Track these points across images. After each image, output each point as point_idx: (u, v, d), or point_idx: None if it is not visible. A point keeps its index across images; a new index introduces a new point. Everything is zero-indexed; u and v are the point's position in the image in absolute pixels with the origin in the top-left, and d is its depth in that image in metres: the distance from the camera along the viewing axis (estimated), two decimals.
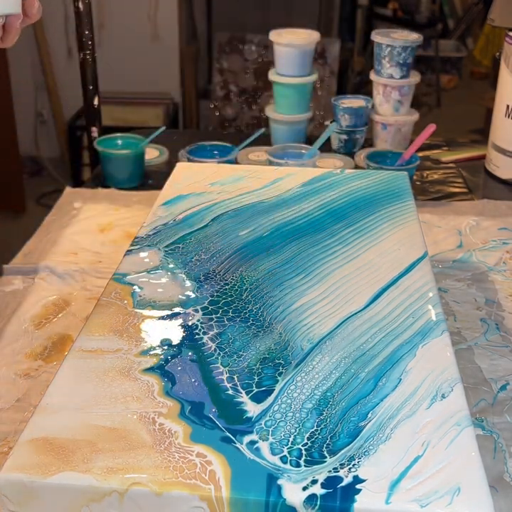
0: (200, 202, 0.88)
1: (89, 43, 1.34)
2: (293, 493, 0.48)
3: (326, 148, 1.41)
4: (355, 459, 0.50)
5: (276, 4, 3.25)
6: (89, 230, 1.10)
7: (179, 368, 0.59)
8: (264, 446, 0.51)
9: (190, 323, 0.65)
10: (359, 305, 0.68)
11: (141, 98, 2.89)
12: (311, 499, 0.47)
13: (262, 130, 1.35)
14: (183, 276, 0.73)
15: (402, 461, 0.50)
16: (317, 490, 0.48)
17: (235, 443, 0.52)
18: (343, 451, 0.51)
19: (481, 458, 0.51)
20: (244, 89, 2.62)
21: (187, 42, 3.01)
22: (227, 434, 0.52)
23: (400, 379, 0.58)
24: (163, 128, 1.36)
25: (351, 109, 1.39)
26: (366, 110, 1.41)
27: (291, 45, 1.34)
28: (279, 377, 0.58)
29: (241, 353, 0.61)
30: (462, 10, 4.72)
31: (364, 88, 3.73)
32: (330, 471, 0.49)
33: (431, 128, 1.21)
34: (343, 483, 0.48)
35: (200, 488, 0.48)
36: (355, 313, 0.67)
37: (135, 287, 0.71)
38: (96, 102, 1.40)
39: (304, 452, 0.51)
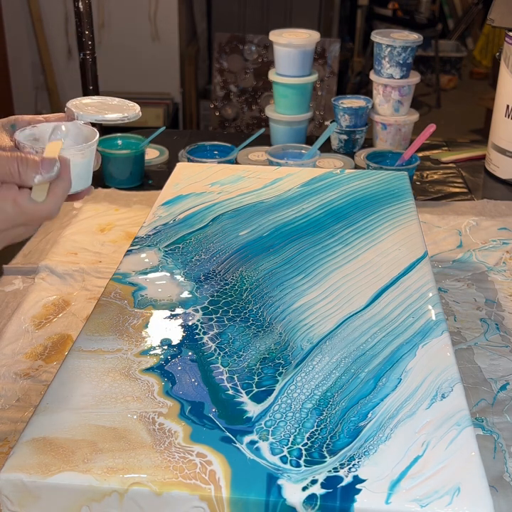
0: (200, 202, 0.88)
1: (89, 43, 1.34)
2: (293, 493, 0.48)
3: (326, 148, 1.41)
4: (355, 459, 0.50)
5: (276, 4, 3.25)
6: (89, 230, 1.10)
7: (179, 368, 0.59)
8: (264, 446, 0.51)
9: (190, 323, 0.65)
10: (359, 305, 0.68)
11: (141, 98, 2.89)
12: (311, 499, 0.48)
13: (262, 130, 1.35)
14: (183, 276, 0.73)
15: (402, 461, 0.50)
16: (317, 490, 0.48)
17: (235, 443, 0.52)
18: (343, 451, 0.51)
19: (481, 458, 0.51)
20: (245, 89, 2.62)
21: (187, 42, 3.01)
22: (227, 434, 0.52)
23: (400, 379, 0.58)
24: (163, 128, 1.36)
25: (351, 109, 1.39)
26: (366, 110, 1.41)
27: (291, 45, 1.34)
28: (279, 377, 0.58)
29: (241, 353, 0.61)
30: (462, 10, 4.72)
31: (364, 88, 3.74)
32: (330, 471, 0.49)
33: (431, 128, 1.21)
34: (343, 483, 0.48)
35: (200, 488, 0.48)
36: (355, 313, 0.67)
37: (135, 287, 0.71)
38: None
39: (304, 452, 0.51)
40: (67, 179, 0.59)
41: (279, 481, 0.49)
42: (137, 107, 0.69)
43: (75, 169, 0.62)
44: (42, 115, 0.67)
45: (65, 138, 0.65)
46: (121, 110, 0.68)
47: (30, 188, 0.56)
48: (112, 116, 0.66)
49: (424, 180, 1.33)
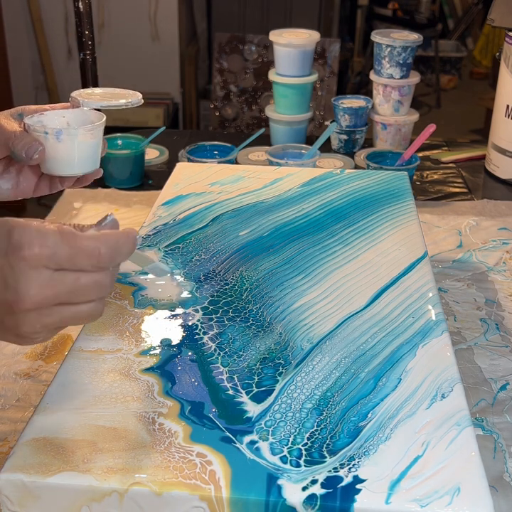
0: (200, 202, 0.88)
1: (89, 43, 1.34)
2: (293, 493, 0.48)
3: (326, 148, 1.41)
4: (355, 459, 0.50)
5: (276, 4, 3.25)
6: None
7: (179, 368, 0.59)
8: (264, 446, 0.51)
9: (190, 323, 0.65)
10: (359, 305, 0.68)
11: None
12: (311, 499, 0.47)
13: (262, 130, 1.35)
14: (183, 276, 0.73)
15: (402, 461, 0.50)
16: (317, 490, 0.48)
17: (235, 443, 0.52)
18: (343, 451, 0.51)
19: (481, 458, 0.51)
20: (245, 89, 2.62)
21: (187, 42, 3.01)
22: (227, 434, 0.52)
23: (400, 379, 0.58)
24: (163, 128, 1.36)
25: (351, 109, 1.39)
26: (366, 110, 1.41)
27: (291, 45, 1.34)
28: (279, 377, 0.58)
29: (241, 353, 0.61)
30: (462, 10, 4.72)
31: (364, 88, 3.74)
32: (330, 471, 0.49)
33: (431, 128, 1.21)
34: (343, 483, 0.48)
35: (200, 488, 0.48)
36: (355, 313, 0.67)
37: (135, 287, 0.71)
38: None
39: (304, 452, 0.51)
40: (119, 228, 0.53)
41: (279, 481, 0.49)
42: (139, 94, 0.71)
43: (86, 150, 0.64)
44: (48, 105, 0.68)
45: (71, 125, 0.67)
46: (124, 97, 0.70)
47: None
48: (116, 102, 0.68)
49: (424, 180, 1.33)
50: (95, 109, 0.68)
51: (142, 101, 0.70)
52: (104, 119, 0.65)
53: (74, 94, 0.69)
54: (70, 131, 0.63)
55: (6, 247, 0.47)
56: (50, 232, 0.48)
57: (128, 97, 0.70)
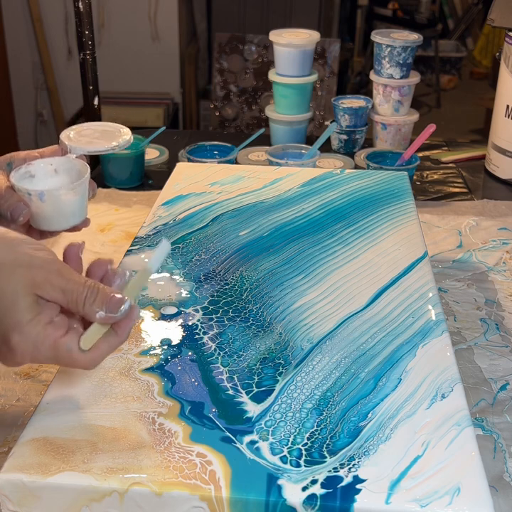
0: (200, 202, 0.88)
1: (89, 43, 1.34)
2: (293, 493, 0.48)
3: (326, 148, 1.41)
4: (355, 459, 0.50)
5: (276, 4, 3.25)
6: (89, 230, 1.09)
7: (179, 368, 0.59)
8: (264, 446, 0.51)
9: (190, 323, 0.65)
10: (359, 305, 0.68)
11: (141, 98, 2.89)
12: (311, 499, 0.48)
13: (262, 130, 1.35)
14: (183, 276, 0.73)
15: (402, 461, 0.50)
16: (317, 490, 0.48)
17: (235, 443, 0.52)
18: (343, 451, 0.51)
19: (481, 458, 0.51)
20: (245, 89, 2.62)
21: (187, 42, 3.01)
22: (227, 434, 0.52)
23: (400, 379, 0.58)
24: (163, 128, 1.36)
25: (351, 109, 1.39)
26: (366, 110, 1.41)
27: (291, 45, 1.34)
28: (279, 377, 0.58)
29: (241, 353, 0.61)
30: (462, 10, 4.72)
31: (364, 88, 3.74)
32: (330, 471, 0.49)
33: (431, 128, 1.21)
34: (343, 483, 0.48)
35: (200, 488, 0.48)
36: (355, 313, 0.67)
37: None
38: (96, 102, 1.40)
39: (304, 452, 0.51)
40: (123, 336, 0.53)
41: (279, 481, 0.49)
42: (129, 134, 0.72)
43: (70, 207, 0.65)
44: (37, 150, 0.69)
45: (59, 175, 0.68)
46: (113, 138, 0.71)
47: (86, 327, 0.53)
48: (104, 148, 0.70)
49: (424, 180, 1.33)
50: (83, 155, 0.69)
51: (131, 141, 0.72)
52: (88, 173, 0.66)
53: (62, 135, 0.70)
54: (53, 193, 0.64)
55: (1, 342, 0.51)
56: (46, 348, 0.51)
57: (116, 138, 0.71)
